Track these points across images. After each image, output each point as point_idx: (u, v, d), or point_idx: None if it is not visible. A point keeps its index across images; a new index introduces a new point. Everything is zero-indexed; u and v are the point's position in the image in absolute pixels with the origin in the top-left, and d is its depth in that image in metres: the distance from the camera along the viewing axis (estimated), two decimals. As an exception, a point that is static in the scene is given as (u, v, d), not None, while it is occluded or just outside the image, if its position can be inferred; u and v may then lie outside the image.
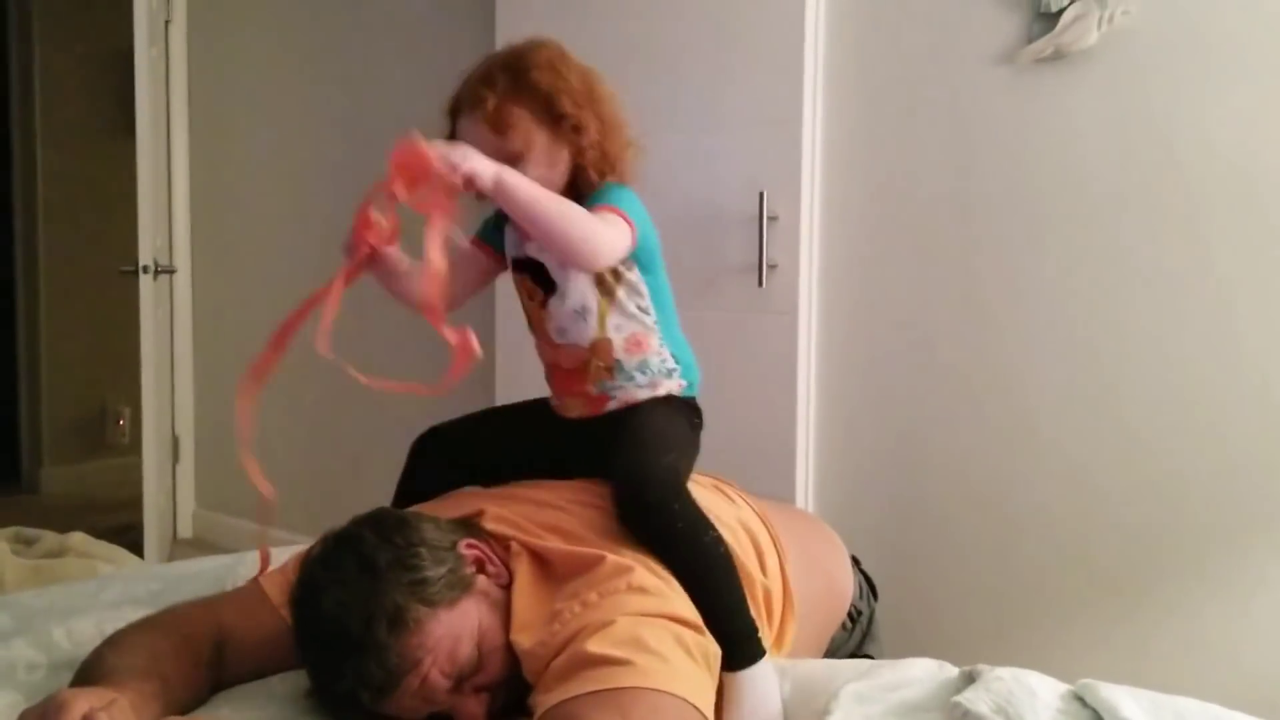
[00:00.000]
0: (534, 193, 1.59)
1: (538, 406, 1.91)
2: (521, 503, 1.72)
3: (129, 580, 2.04)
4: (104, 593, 1.94)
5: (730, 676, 1.52)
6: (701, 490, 1.78)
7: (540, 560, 1.58)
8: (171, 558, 4.29)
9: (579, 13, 3.04)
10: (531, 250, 1.76)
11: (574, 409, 1.81)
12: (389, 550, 1.46)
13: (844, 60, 2.71)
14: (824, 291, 2.77)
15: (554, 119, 1.67)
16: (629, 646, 1.36)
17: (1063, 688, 1.52)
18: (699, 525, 1.61)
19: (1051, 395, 2.47)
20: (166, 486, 4.48)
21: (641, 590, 1.47)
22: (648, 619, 1.42)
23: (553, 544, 1.58)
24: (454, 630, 1.44)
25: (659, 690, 1.32)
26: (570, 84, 1.68)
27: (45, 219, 5.63)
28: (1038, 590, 2.50)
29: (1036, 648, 2.48)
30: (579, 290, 1.73)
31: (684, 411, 1.81)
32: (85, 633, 1.69)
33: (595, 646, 1.36)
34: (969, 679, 1.54)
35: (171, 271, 4.48)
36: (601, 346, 1.74)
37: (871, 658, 1.95)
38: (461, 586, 1.48)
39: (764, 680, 1.54)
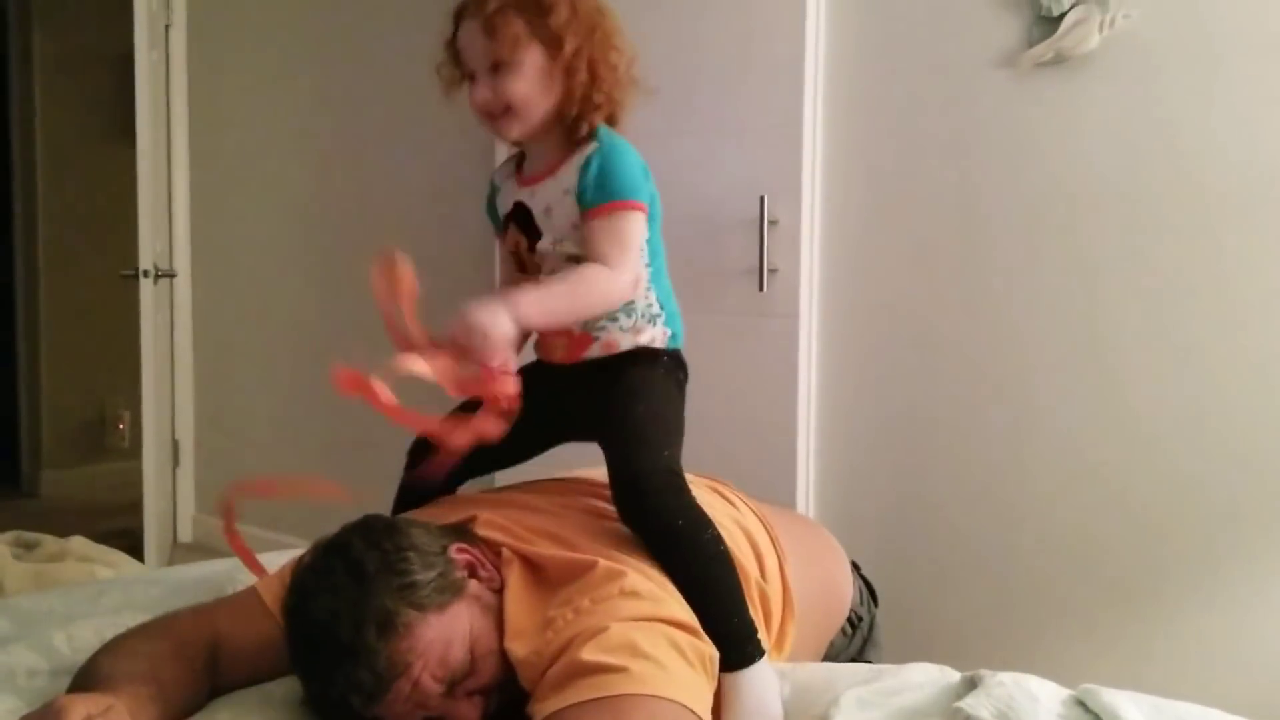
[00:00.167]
0: (549, 307, 1.61)
1: (522, 372, 1.86)
2: (513, 508, 1.71)
3: (129, 585, 2.03)
4: (104, 598, 1.93)
5: (729, 677, 1.51)
6: (700, 492, 1.77)
7: (532, 566, 1.57)
8: (171, 562, 4.29)
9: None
10: (524, 197, 1.73)
11: (558, 349, 1.77)
12: (377, 555, 1.45)
13: (844, 64, 2.71)
14: (824, 295, 2.77)
15: (552, 39, 1.63)
16: (624, 653, 1.35)
17: (1064, 693, 1.52)
18: (699, 523, 1.60)
19: (1054, 400, 2.47)
20: (166, 490, 4.48)
21: (634, 595, 1.46)
22: (642, 624, 1.42)
23: (544, 549, 1.57)
24: (445, 634, 1.43)
25: (655, 696, 1.32)
26: (576, 7, 1.64)
27: (45, 223, 5.63)
28: (1039, 595, 2.50)
29: (1038, 652, 2.48)
30: (568, 233, 1.69)
31: (669, 368, 1.77)
32: (85, 638, 1.69)
33: (590, 654, 1.35)
34: (970, 684, 1.54)
35: (171, 275, 4.48)
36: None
37: (871, 663, 1.94)
38: (452, 590, 1.47)
39: (763, 681, 1.54)
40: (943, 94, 2.58)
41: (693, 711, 1.35)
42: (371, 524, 1.54)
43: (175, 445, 4.60)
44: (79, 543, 2.55)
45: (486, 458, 1.85)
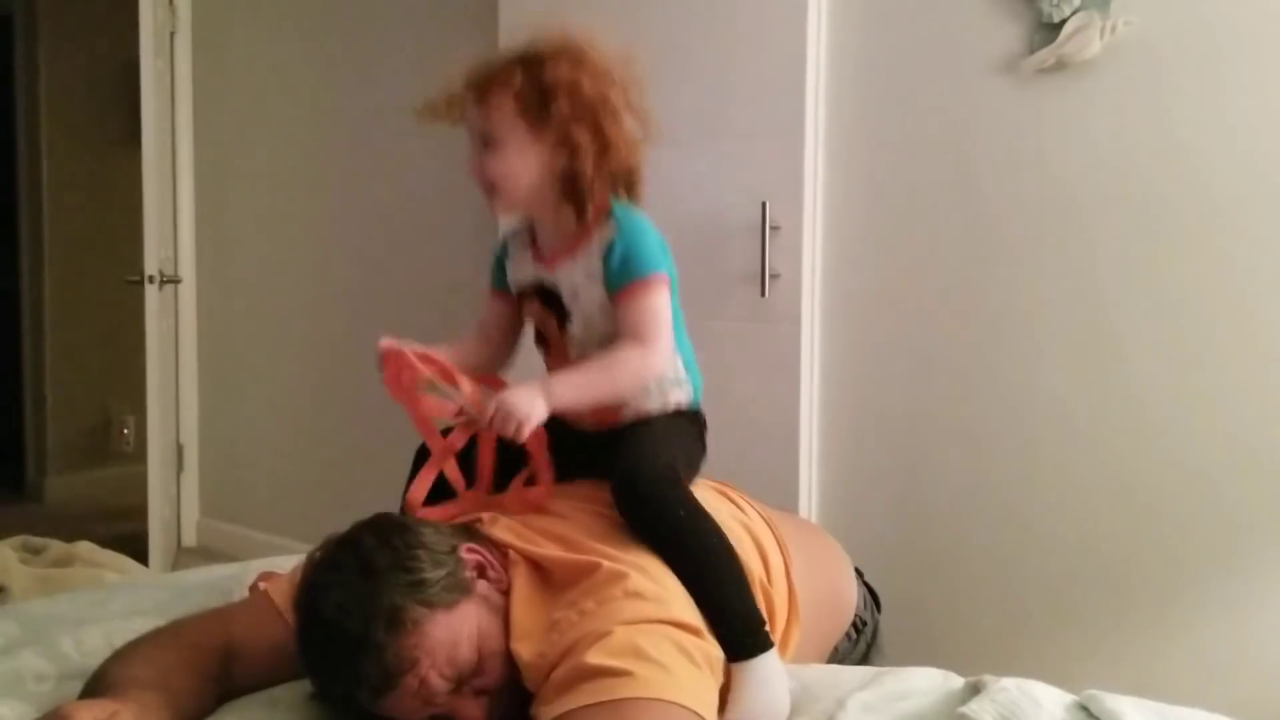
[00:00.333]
0: (587, 392, 1.65)
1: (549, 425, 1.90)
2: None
3: (136, 590, 2.04)
4: (112, 602, 1.94)
5: (737, 667, 1.51)
6: (707, 495, 1.78)
7: (538, 568, 1.58)
8: (176, 566, 4.30)
9: (582, 20, 3.04)
10: (545, 276, 1.76)
11: (586, 419, 1.79)
12: (388, 552, 1.46)
13: (846, 70, 2.71)
14: (826, 301, 2.77)
15: (540, 117, 1.64)
16: (628, 656, 1.36)
17: (1068, 698, 1.53)
18: (698, 514, 1.61)
19: (1058, 405, 2.47)
20: (171, 495, 4.49)
21: (638, 596, 1.46)
22: (646, 626, 1.42)
23: (550, 551, 1.58)
24: (452, 632, 1.44)
25: (660, 700, 1.32)
26: (577, 88, 1.65)
27: (51, 229, 5.64)
28: (1044, 600, 2.50)
29: (1042, 658, 2.48)
30: (597, 314, 1.73)
31: (690, 420, 1.81)
32: (93, 643, 1.70)
33: (594, 657, 1.36)
34: (974, 689, 1.55)
35: (176, 281, 4.49)
36: None
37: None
38: (460, 590, 1.48)
39: (772, 671, 1.53)
40: (944, 100, 2.59)
41: (697, 714, 1.35)
42: (383, 521, 1.56)
43: (180, 450, 4.60)
44: (85, 547, 2.56)
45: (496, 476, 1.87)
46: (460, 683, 1.45)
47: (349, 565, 1.46)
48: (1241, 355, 2.26)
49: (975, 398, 2.58)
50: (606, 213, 1.70)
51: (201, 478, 4.70)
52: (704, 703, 1.39)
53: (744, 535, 1.75)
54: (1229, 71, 2.24)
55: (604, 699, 1.32)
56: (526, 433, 1.57)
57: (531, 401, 1.56)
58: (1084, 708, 1.49)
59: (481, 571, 1.54)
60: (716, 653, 1.48)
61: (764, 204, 2.73)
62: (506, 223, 1.87)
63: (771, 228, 2.73)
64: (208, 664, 1.51)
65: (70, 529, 3.54)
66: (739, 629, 1.53)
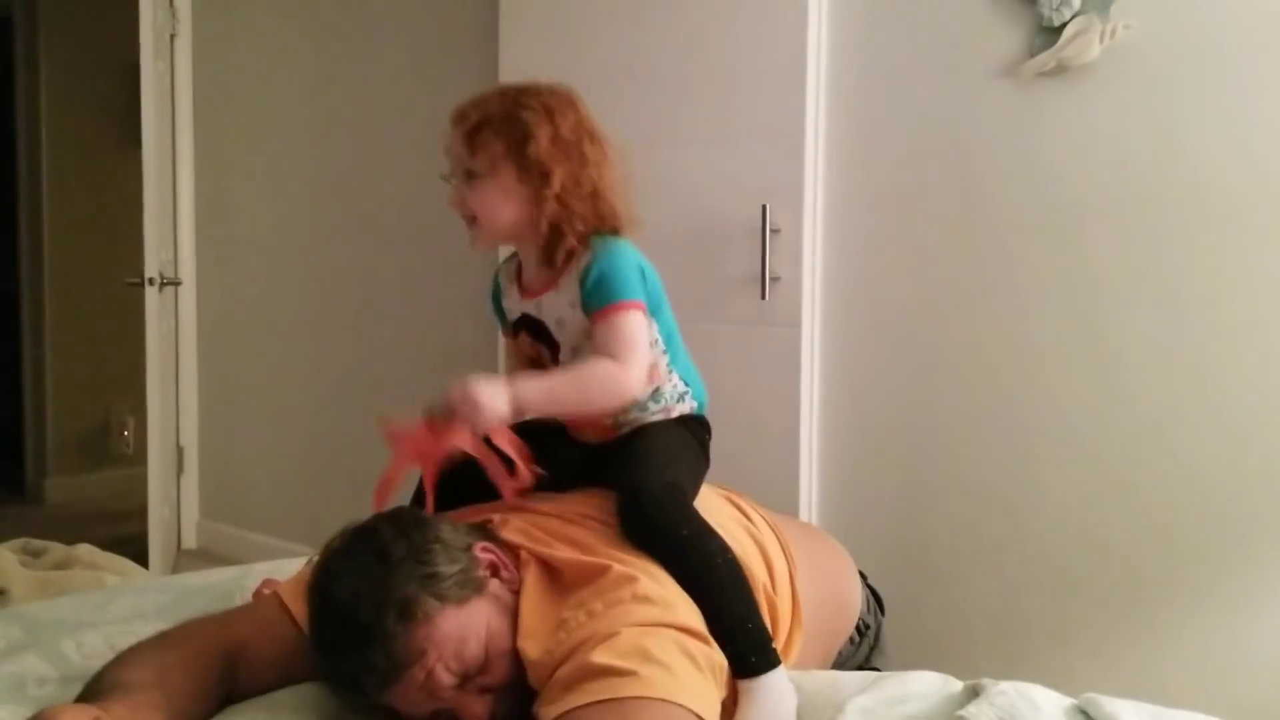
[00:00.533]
0: (553, 395, 1.66)
1: (553, 428, 1.91)
2: (531, 514, 1.72)
3: (137, 593, 2.04)
4: (113, 605, 1.94)
5: (744, 684, 1.52)
6: (713, 500, 1.79)
7: (548, 569, 1.59)
8: (176, 568, 4.30)
9: (582, 27, 3.06)
10: (530, 309, 1.79)
11: (589, 434, 1.83)
12: (404, 544, 1.48)
13: (846, 73, 2.72)
14: (827, 304, 2.77)
15: (527, 163, 1.69)
16: (634, 657, 1.36)
17: (1066, 701, 1.53)
18: (703, 533, 1.61)
19: (1059, 408, 2.47)
20: (171, 497, 4.49)
21: (646, 600, 1.47)
22: (653, 629, 1.43)
23: (560, 553, 1.59)
24: (462, 628, 1.45)
25: (664, 700, 1.33)
26: (557, 132, 1.70)
27: (51, 230, 5.64)
28: (1042, 604, 2.51)
29: (1040, 661, 2.48)
30: (584, 341, 1.75)
31: (693, 429, 1.83)
32: (95, 646, 1.70)
33: (600, 657, 1.36)
34: (973, 693, 1.55)
35: (177, 283, 4.49)
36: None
37: (879, 670, 1.95)
38: (473, 587, 1.49)
39: (779, 688, 1.54)
40: (945, 103, 2.59)
41: (699, 717, 1.36)
42: (401, 514, 1.58)
43: (180, 452, 4.60)
44: (86, 550, 2.55)
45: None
46: (466, 679, 1.46)
47: (365, 554, 1.47)
48: (1242, 358, 2.26)
49: (976, 400, 2.58)
50: (585, 245, 1.73)
51: (201, 480, 4.70)
52: (706, 706, 1.39)
53: (749, 541, 1.76)
54: (1229, 75, 2.25)
55: (607, 697, 1.32)
56: (484, 421, 1.58)
57: (495, 393, 1.59)
58: (1082, 711, 1.50)
59: (495, 571, 1.56)
60: (721, 660, 1.48)
61: (764, 207, 2.73)
62: (494, 249, 1.89)
63: (772, 230, 2.73)
64: (210, 667, 1.51)
65: (70, 531, 3.55)
66: (745, 647, 1.53)
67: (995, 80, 2.51)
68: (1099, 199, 2.40)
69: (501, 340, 1.97)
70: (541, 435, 1.90)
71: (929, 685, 1.61)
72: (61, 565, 2.47)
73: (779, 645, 1.71)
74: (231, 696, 1.54)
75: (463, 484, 1.87)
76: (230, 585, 2.04)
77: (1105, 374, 2.41)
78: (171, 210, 4.48)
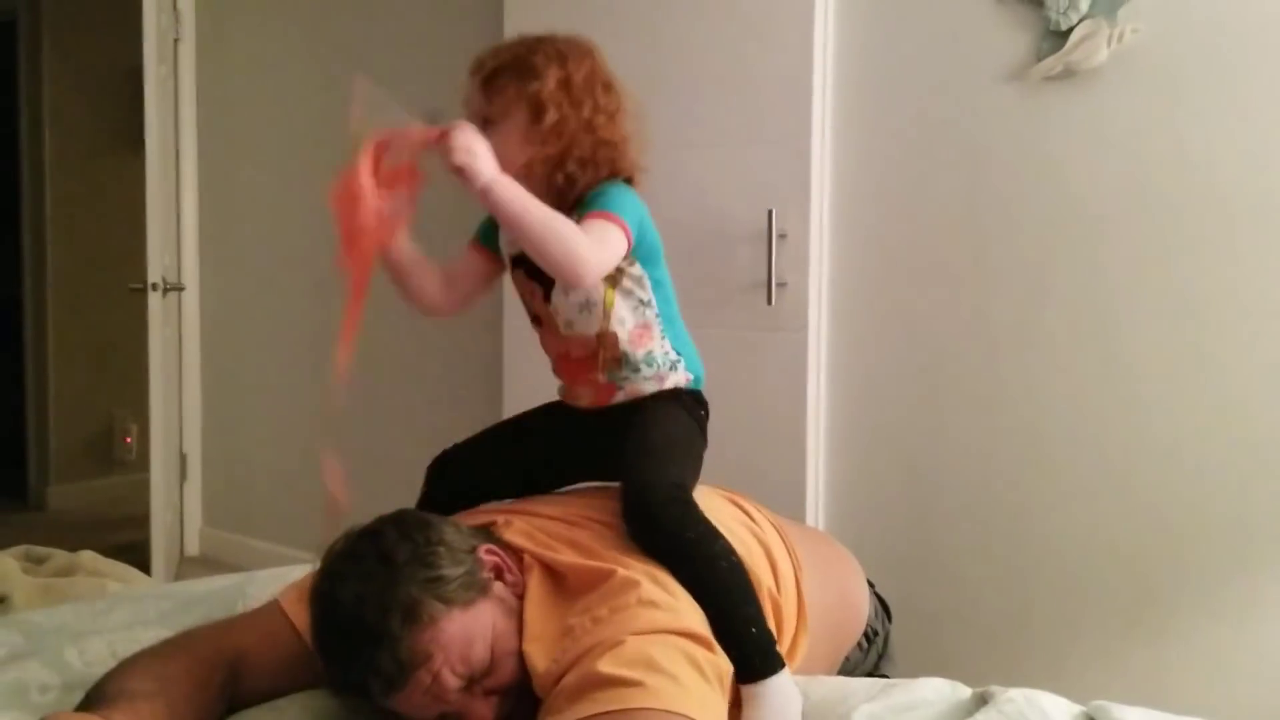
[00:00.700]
0: (523, 204, 1.62)
1: (546, 408, 1.94)
2: (533, 517, 1.73)
3: (140, 600, 2.04)
4: (115, 612, 1.94)
5: (749, 688, 1.51)
6: (718, 503, 1.79)
7: (551, 573, 1.59)
8: (179, 575, 4.29)
9: (588, 30, 3.04)
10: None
11: (584, 397, 1.84)
12: (409, 546, 1.48)
13: (852, 77, 2.71)
14: (833, 309, 2.77)
15: (536, 104, 1.71)
16: (640, 667, 1.36)
17: (1075, 709, 1.52)
18: (708, 536, 1.61)
19: (1067, 413, 2.46)
20: (174, 504, 4.48)
21: (651, 604, 1.47)
22: (658, 637, 1.42)
23: (564, 557, 1.59)
24: (468, 630, 1.45)
25: (670, 711, 1.32)
26: (569, 77, 1.73)
27: (54, 236, 5.64)
28: (1051, 610, 2.50)
29: (1049, 668, 2.47)
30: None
31: (690, 407, 1.84)
32: (97, 652, 1.70)
33: (606, 667, 1.36)
34: (981, 700, 1.54)
35: (180, 289, 4.48)
36: (608, 338, 1.77)
37: (887, 677, 1.94)
38: (478, 589, 1.50)
39: (784, 692, 1.53)
40: (952, 107, 2.59)
41: None
42: (406, 517, 1.58)
43: (183, 459, 4.59)
44: (88, 557, 2.55)
45: (509, 486, 1.89)
46: (472, 682, 1.46)
47: (369, 556, 1.48)
48: (1251, 363, 2.25)
49: (984, 406, 2.57)
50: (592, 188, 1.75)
51: (204, 486, 4.69)
52: (713, 716, 1.39)
53: (753, 542, 1.76)
54: (1236, 78, 2.24)
55: (614, 708, 1.32)
56: (467, 167, 1.58)
57: (487, 154, 1.59)
58: (1091, 718, 1.49)
59: (499, 574, 1.56)
60: (726, 667, 1.48)
61: (770, 211, 2.72)
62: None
63: (778, 235, 2.72)
64: (212, 675, 1.51)
65: (73, 538, 3.54)
66: (750, 650, 1.53)
67: (1002, 84, 2.51)
68: (1107, 203, 2.39)
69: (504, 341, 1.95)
70: (538, 418, 1.91)
71: (937, 692, 1.61)
72: (64, 572, 2.46)
73: (784, 648, 1.70)
74: (234, 704, 1.54)
75: (464, 483, 1.88)
76: (233, 592, 2.03)
77: (1114, 379, 2.40)
78: (175, 215, 4.47)
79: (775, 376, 2.78)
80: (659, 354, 1.79)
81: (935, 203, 2.62)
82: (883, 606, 2.09)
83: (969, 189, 2.57)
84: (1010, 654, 2.55)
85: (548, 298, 1.79)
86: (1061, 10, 2.38)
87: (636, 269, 1.77)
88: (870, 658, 2.01)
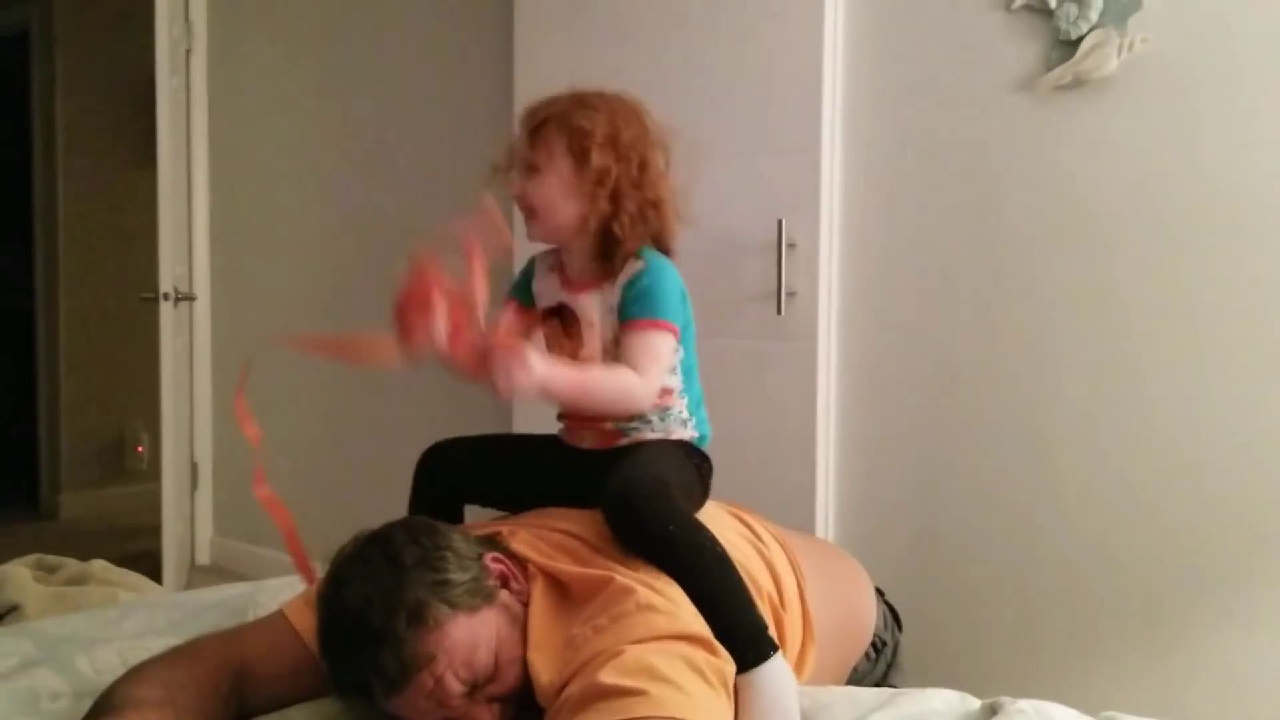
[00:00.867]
0: (579, 383, 1.68)
1: (548, 438, 1.95)
2: (538, 528, 1.73)
3: (151, 609, 2.04)
4: (126, 621, 1.94)
5: (744, 677, 1.51)
6: (721, 516, 1.80)
7: (556, 583, 1.60)
8: (189, 584, 4.30)
9: (598, 44, 3.06)
10: (569, 300, 1.82)
11: (587, 440, 1.85)
12: (417, 550, 1.49)
13: (863, 87, 2.71)
14: (843, 319, 2.76)
15: (582, 155, 1.73)
16: (642, 676, 1.35)
17: (1085, 720, 1.52)
18: (690, 527, 1.62)
19: (1077, 423, 2.46)
20: (185, 513, 4.49)
21: (651, 609, 1.47)
22: (659, 644, 1.42)
23: (566, 566, 1.60)
24: (472, 636, 1.46)
25: (674, 718, 1.32)
26: (617, 135, 1.75)
27: (66, 245, 5.66)
28: (1061, 621, 2.49)
29: (1059, 679, 2.46)
30: (609, 347, 1.79)
31: (690, 454, 1.84)
32: (108, 661, 1.70)
33: (608, 677, 1.36)
34: (991, 711, 1.54)
35: (191, 299, 4.49)
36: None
37: (897, 688, 1.94)
38: (484, 596, 1.50)
39: (778, 678, 1.53)
40: (962, 117, 2.59)
41: None
42: (414, 522, 1.60)
43: (194, 468, 4.60)
44: (100, 566, 2.56)
45: (493, 495, 1.91)
46: (475, 688, 1.46)
47: (376, 559, 1.49)
48: (1264, 374, 2.25)
49: (994, 416, 2.57)
50: (635, 255, 1.77)
51: (215, 496, 4.69)
52: None
53: (755, 557, 1.77)
54: (1247, 87, 2.24)
55: (618, 718, 1.31)
56: (511, 391, 1.56)
57: (524, 364, 1.56)
58: (1102, 729, 1.49)
59: (505, 581, 1.57)
60: (729, 668, 1.48)
61: (780, 221, 2.72)
62: (522, 240, 1.90)
63: (788, 245, 2.72)
64: (219, 684, 1.51)
65: (84, 546, 3.55)
66: (742, 638, 1.53)
67: (1012, 94, 2.50)
68: (1117, 212, 2.39)
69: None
70: (539, 444, 1.93)
71: (946, 703, 1.60)
72: (75, 581, 2.47)
73: (791, 660, 1.71)
74: (241, 714, 1.54)
75: (449, 478, 1.89)
76: (243, 601, 2.04)
77: (1125, 389, 2.40)
78: (186, 225, 4.48)
79: (785, 386, 2.77)
80: (673, 410, 1.82)
81: (945, 212, 2.62)
82: (893, 616, 2.09)
83: (978, 198, 2.57)
84: (1020, 665, 2.54)
85: (575, 353, 1.81)
86: (1071, 20, 2.38)
87: None
88: (879, 667, 2.01)
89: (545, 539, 1.68)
